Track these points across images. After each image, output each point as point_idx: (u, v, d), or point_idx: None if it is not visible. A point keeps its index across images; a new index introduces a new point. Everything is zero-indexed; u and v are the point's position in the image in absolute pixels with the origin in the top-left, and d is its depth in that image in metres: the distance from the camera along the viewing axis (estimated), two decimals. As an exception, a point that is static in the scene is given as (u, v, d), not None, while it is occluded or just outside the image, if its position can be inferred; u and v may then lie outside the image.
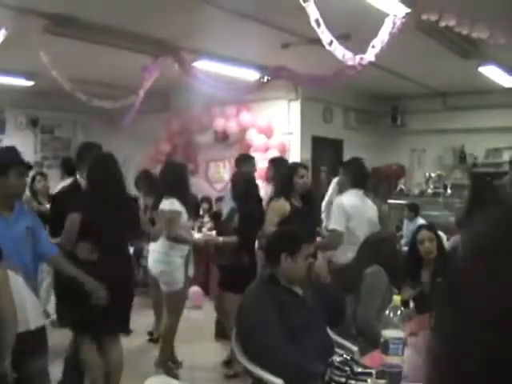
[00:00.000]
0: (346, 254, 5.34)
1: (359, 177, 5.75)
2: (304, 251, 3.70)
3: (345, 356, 2.85)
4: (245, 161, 7.28)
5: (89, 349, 4.74)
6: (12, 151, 3.87)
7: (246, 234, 5.75)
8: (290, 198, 5.61)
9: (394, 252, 4.75)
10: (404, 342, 2.94)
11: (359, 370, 2.74)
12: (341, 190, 6.06)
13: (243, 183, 6.20)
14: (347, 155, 11.71)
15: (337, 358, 2.81)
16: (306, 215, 5.54)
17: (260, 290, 3.70)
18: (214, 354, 6.51)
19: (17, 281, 3.66)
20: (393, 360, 2.86)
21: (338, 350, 3.64)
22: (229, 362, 6.14)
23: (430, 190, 11.58)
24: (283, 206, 5.56)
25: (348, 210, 5.45)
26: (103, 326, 4.66)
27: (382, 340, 2.90)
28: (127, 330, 5.20)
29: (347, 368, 2.75)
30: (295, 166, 6.02)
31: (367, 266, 4.50)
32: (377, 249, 4.70)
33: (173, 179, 5.98)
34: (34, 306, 3.81)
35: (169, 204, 5.72)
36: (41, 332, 3.82)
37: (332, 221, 5.61)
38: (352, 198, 5.60)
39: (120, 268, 4.64)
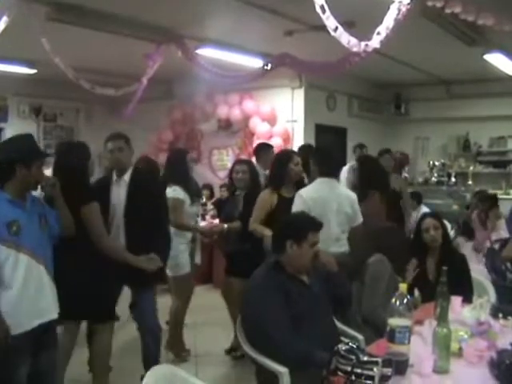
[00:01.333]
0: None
1: (326, 165, 5.41)
2: (310, 239, 3.69)
3: (350, 344, 2.82)
4: (264, 150, 7.24)
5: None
6: (33, 141, 3.81)
7: (248, 220, 5.70)
8: (279, 188, 5.51)
9: (400, 241, 4.68)
10: (410, 330, 2.93)
11: (365, 358, 2.71)
12: (311, 179, 5.78)
13: (253, 171, 6.23)
14: (351, 143, 11.73)
15: (342, 347, 2.79)
16: None
17: (265, 276, 3.68)
18: (219, 339, 6.51)
19: (40, 270, 3.67)
20: (399, 348, 2.85)
21: (343, 338, 3.63)
22: (232, 350, 6.19)
23: (433, 179, 11.57)
24: (269, 199, 5.48)
25: (307, 201, 5.12)
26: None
27: (388, 328, 2.89)
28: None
29: (353, 356, 2.73)
30: (288, 156, 5.77)
31: (370, 255, 4.49)
32: (378, 239, 4.68)
33: (174, 166, 6.02)
34: (54, 297, 3.82)
35: (172, 191, 5.73)
36: (54, 323, 3.85)
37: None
38: (314, 188, 5.29)
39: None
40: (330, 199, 5.16)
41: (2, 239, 3.45)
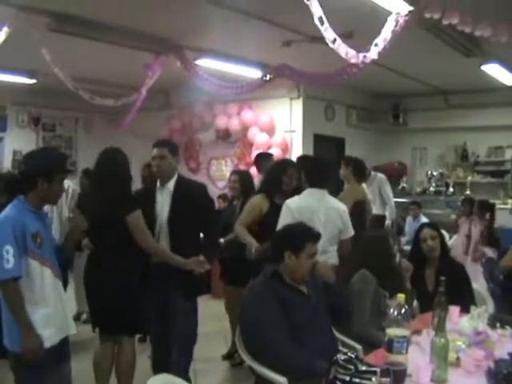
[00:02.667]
0: None
1: (316, 176, 5.32)
2: (308, 250, 3.70)
3: (349, 354, 2.84)
4: (264, 159, 7.29)
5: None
6: (58, 155, 3.80)
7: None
8: (273, 194, 5.49)
9: (387, 252, 4.63)
10: (408, 340, 2.94)
11: (363, 368, 2.73)
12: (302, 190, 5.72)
13: (247, 180, 6.43)
14: (349, 153, 11.73)
15: (341, 356, 2.80)
16: None
17: (264, 286, 3.69)
18: (218, 349, 6.54)
19: (59, 284, 3.64)
20: (397, 358, 2.86)
21: (342, 348, 3.65)
22: (229, 356, 6.32)
23: (431, 189, 11.59)
24: (259, 203, 5.47)
25: (292, 210, 5.05)
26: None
27: (386, 338, 2.90)
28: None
29: (351, 366, 2.74)
30: (285, 165, 5.72)
31: (356, 270, 4.49)
32: (367, 248, 4.69)
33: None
34: (69, 309, 3.85)
35: None
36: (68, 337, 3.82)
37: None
38: (301, 198, 5.21)
39: None
40: (318, 210, 5.06)
41: (31, 252, 3.39)
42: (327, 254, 4.99)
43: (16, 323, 3.34)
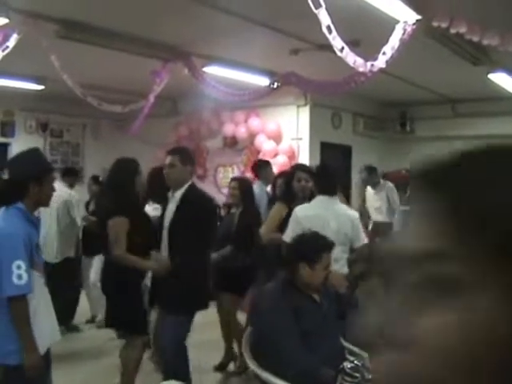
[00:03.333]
0: None
1: (325, 183, 5.27)
2: (324, 261, 3.70)
3: (356, 362, 2.85)
4: (262, 167, 7.31)
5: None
6: (41, 156, 3.72)
7: (243, 235, 5.75)
8: (290, 202, 5.51)
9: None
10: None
11: (370, 376, 2.73)
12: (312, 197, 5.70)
13: (246, 189, 6.31)
14: (356, 161, 11.76)
15: (348, 365, 2.81)
16: None
17: (276, 292, 3.70)
18: (214, 356, 6.52)
19: (47, 291, 3.57)
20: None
21: (349, 356, 3.64)
22: (222, 368, 6.30)
23: (439, 197, 11.58)
24: (279, 210, 5.56)
25: (300, 218, 5.05)
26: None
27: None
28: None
29: (358, 374, 2.75)
30: (293, 170, 5.82)
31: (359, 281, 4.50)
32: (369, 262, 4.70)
33: (154, 184, 5.95)
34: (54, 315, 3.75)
35: (152, 210, 5.77)
36: None
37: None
38: (310, 206, 5.21)
39: None
40: (328, 217, 4.99)
41: (35, 263, 3.31)
42: (340, 262, 4.94)
43: (7, 336, 3.24)
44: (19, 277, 3.14)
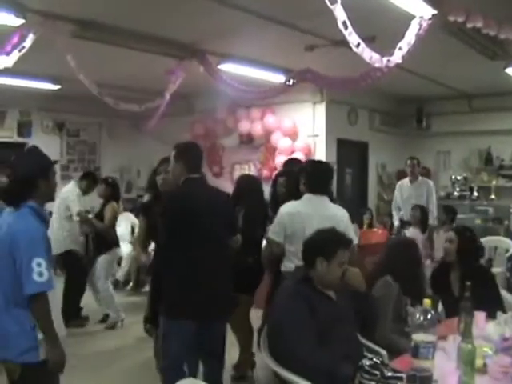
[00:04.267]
0: (287, 264, 5.03)
1: (313, 182, 5.12)
2: (339, 257, 3.69)
3: (374, 359, 2.83)
4: (290, 166, 7.24)
5: None
6: (42, 152, 3.68)
7: (248, 234, 5.54)
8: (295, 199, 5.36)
9: (412, 259, 4.61)
10: (434, 345, 2.92)
11: (389, 373, 2.72)
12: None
13: (247, 184, 6.19)
14: (372, 157, 11.73)
15: (366, 362, 2.80)
16: None
17: (293, 290, 3.70)
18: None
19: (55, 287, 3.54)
20: (423, 364, 2.84)
21: (367, 353, 3.63)
22: (239, 366, 6.15)
23: (456, 193, 11.52)
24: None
25: (283, 215, 5.00)
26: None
27: (412, 344, 2.88)
28: None
29: (377, 372, 2.73)
30: (298, 172, 5.55)
31: (379, 276, 4.48)
32: (393, 254, 4.68)
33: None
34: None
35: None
36: None
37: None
38: (296, 204, 5.09)
39: None
40: (311, 216, 4.86)
41: (51, 264, 3.36)
42: None
43: (24, 334, 3.26)
44: (40, 274, 3.16)
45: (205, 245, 4.40)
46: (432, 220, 8.85)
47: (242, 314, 5.93)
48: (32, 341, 3.26)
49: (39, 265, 3.17)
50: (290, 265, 4.95)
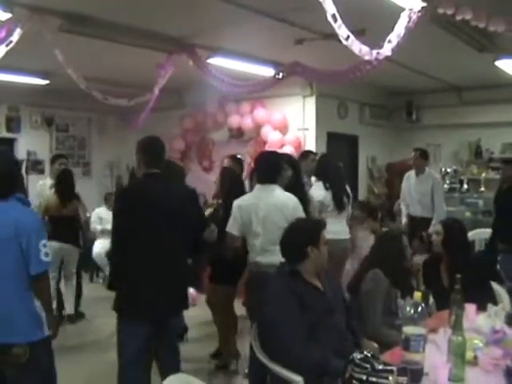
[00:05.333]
0: (250, 256, 5.10)
1: (262, 172, 5.16)
2: (322, 238, 3.80)
3: (365, 353, 2.82)
4: (300, 159, 7.26)
5: None
6: (11, 151, 4.04)
7: (222, 227, 5.40)
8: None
9: (400, 252, 4.62)
10: (425, 338, 2.92)
11: (380, 367, 2.71)
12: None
13: (228, 179, 6.19)
14: (362, 151, 11.74)
15: (357, 355, 2.79)
16: None
17: (281, 284, 3.72)
18: (204, 346, 6.54)
19: None
20: (414, 357, 2.85)
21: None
22: (218, 355, 6.27)
23: (446, 186, 11.52)
24: None
25: (234, 209, 5.03)
26: None
27: (403, 336, 2.89)
28: None
29: (368, 365, 2.72)
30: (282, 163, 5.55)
31: (368, 269, 4.49)
32: (381, 247, 4.71)
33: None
34: None
35: None
36: None
37: None
38: (247, 195, 5.19)
39: None
40: (257, 207, 4.90)
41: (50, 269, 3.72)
42: (268, 252, 4.79)
43: (31, 315, 3.47)
44: (46, 254, 3.47)
45: (154, 243, 4.28)
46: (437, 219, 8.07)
47: (223, 306, 5.98)
48: (38, 319, 3.49)
49: (44, 246, 3.47)
50: (251, 256, 5.03)
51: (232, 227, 5.06)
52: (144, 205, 4.29)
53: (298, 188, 5.56)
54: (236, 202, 5.06)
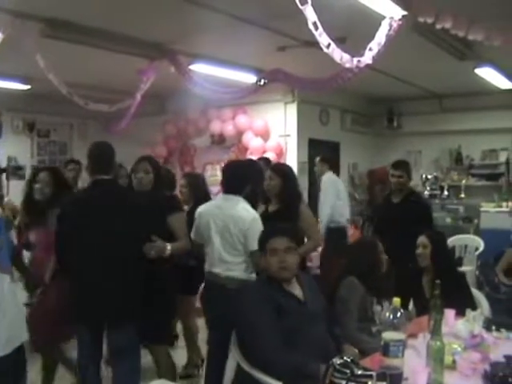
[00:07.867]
0: (207, 265, 4.91)
1: (227, 182, 4.95)
2: (268, 247, 3.73)
3: (345, 358, 2.84)
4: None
5: None
6: None
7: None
8: (267, 202, 5.45)
9: (374, 259, 4.62)
10: (404, 343, 2.94)
11: (359, 372, 2.73)
12: None
13: (197, 185, 6.22)
14: (344, 157, 11.78)
15: (337, 360, 2.80)
16: (279, 218, 5.16)
17: (256, 290, 3.73)
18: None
19: (15, 290, 3.53)
20: (393, 362, 2.86)
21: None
22: (187, 365, 6.19)
23: (426, 192, 11.58)
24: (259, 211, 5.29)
25: (196, 217, 4.92)
26: None
27: (382, 342, 2.90)
28: None
29: (347, 370, 2.73)
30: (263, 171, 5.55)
31: (343, 276, 4.49)
32: (355, 255, 4.71)
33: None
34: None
35: None
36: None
37: None
38: (206, 204, 5.05)
39: None
40: (216, 216, 4.76)
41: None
42: (227, 265, 4.65)
43: (21, 316, 3.48)
44: None
45: (91, 253, 4.22)
46: None
47: (186, 315, 5.98)
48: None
49: None
50: (208, 265, 4.84)
51: (194, 234, 4.96)
52: (81, 215, 4.28)
53: (287, 196, 5.42)
54: (198, 210, 4.97)
